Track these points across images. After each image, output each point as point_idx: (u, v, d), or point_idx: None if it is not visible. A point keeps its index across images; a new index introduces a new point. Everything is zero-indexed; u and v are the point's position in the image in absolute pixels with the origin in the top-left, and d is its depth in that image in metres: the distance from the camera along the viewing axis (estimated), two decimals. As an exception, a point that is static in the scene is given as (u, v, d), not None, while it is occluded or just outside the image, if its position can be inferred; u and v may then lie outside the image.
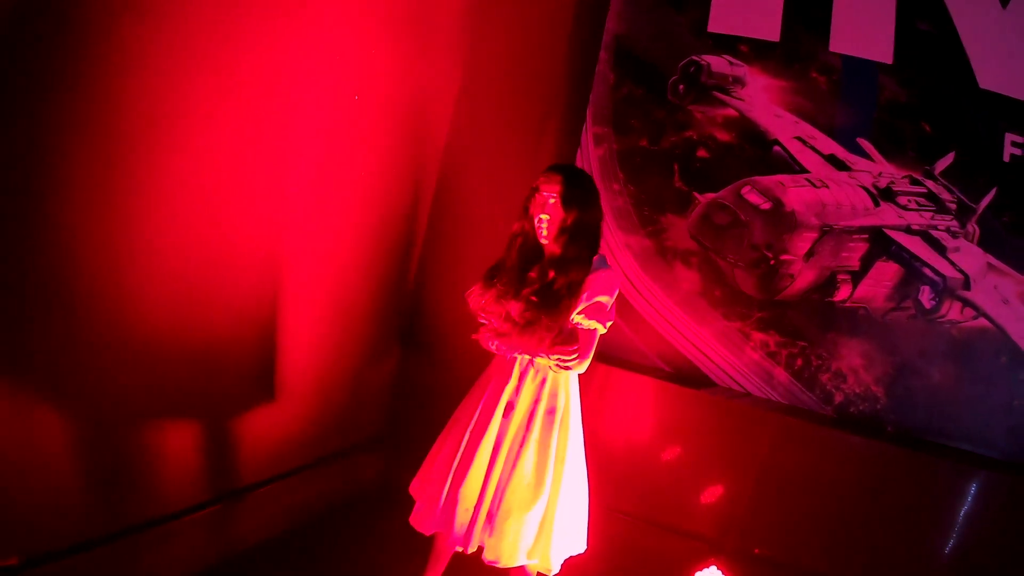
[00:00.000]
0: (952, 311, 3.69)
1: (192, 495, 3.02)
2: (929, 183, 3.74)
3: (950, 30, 3.66)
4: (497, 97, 4.09)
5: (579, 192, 2.64)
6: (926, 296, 3.73)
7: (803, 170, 3.92)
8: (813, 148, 3.93)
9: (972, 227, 3.69)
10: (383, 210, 3.81)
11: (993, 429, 3.59)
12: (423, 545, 2.87)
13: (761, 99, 3.99)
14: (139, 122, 2.47)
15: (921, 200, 3.76)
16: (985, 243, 3.67)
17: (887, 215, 3.80)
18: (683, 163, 4.10)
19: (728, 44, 4.02)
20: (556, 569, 2.74)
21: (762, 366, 3.97)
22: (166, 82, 2.52)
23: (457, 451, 2.71)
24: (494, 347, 2.70)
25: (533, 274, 2.64)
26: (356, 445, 3.96)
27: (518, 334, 2.61)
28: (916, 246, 3.76)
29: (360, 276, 3.72)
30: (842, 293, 3.85)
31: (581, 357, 2.61)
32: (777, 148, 3.97)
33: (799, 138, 3.94)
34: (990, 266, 3.66)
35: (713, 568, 3.38)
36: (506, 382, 2.70)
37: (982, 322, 3.65)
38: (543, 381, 2.70)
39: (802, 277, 3.90)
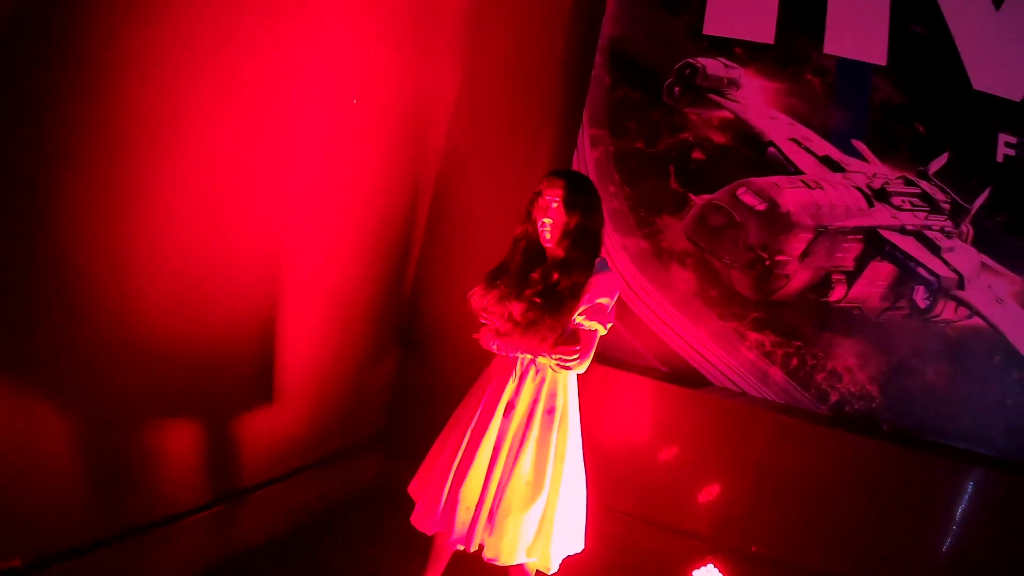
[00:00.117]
0: (946, 311, 3.72)
1: (193, 496, 3.03)
2: (923, 184, 3.77)
3: (944, 32, 3.68)
4: (495, 100, 4.11)
5: (581, 196, 2.70)
6: (920, 296, 3.75)
7: (798, 171, 3.95)
8: (808, 149, 3.95)
9: (966, 227, 3.71)
10: (382, 211, 3.82)
11: (990, 428, 3.60)
12: (423, 545, 2.88)
13: (756, 101, 4.01)
14: (140, 123, 2.49)
15: (915, 200, 3.78)
16: (979, 243, 3.68)
17: (881, 216, 3.82)
18: (679, 165, 4.12)
19: (723, 46, 4.04)
20: (555, 568, 2.76)
21: (758, 366, 3.98)
22: (167, 84, 2.53)
23: (458, 451, 2.73)
24: (495, 347, 2.73)
25: (536, 276, 2.68)
26: (356, 445, 3.96)
27: (520, 334, 2.64)
28: (910, 246, 3.78)
29: (360, 277, 3.73)
30: (837, 293, 3.87)
31: (582, 357, 2.66)
32: (772, 150, 3.99)
33: (794, 139, 3.96)
34: (984, 266, 3.67)
35: (710, 566, 3.39)
36: (506, 382, 2.73)
37: (976, 321, 3.66)
38: (542, 381, 2.73)
39: (797, 277, 3.92)
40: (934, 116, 3.73)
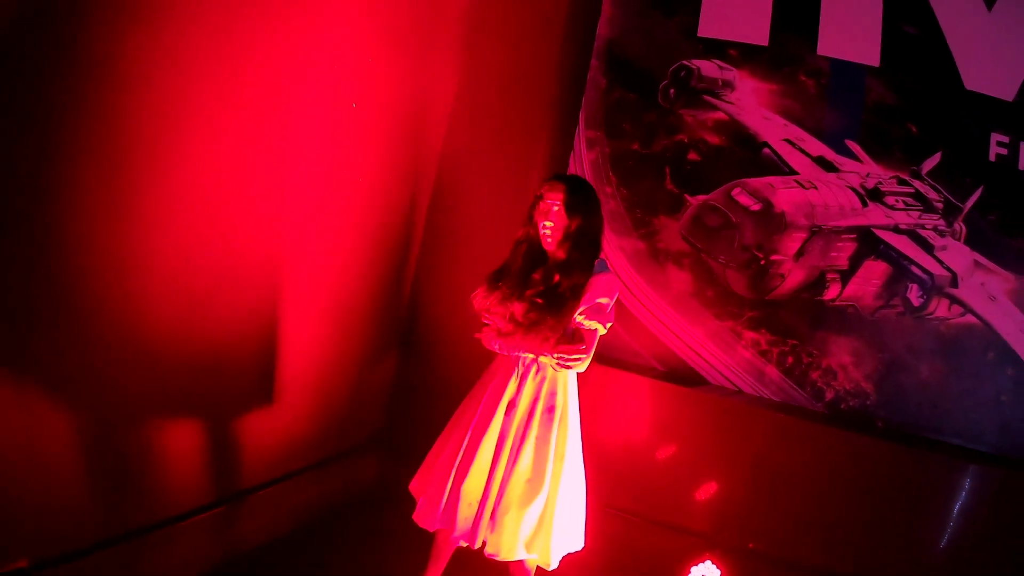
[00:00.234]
0: (940, 308, 3.74)
1: (194, 497, 3.03)
2: (916, 183, 3.80)
3: (936, 32, 3.71)
4: (493, 102, 4.13)
5: (581, 200, 2.74)
6: (914, 294, 3.78)
7: (792, 172, 3.97)
8: (802, 150, 3.98)
9: (959, 226, 3.74)
10: (382, 212, 3.84)
11: (984, 424, 3.63)
12: (424, 543, 2.89)
13: (750, 102, 4.04)
14: (142, 125, 2.50)
15: (908, 200, 3.81)
16: (972, 241, 3.71)
17: (875, 215, 3.85)
18: (674, 166, 4.14)
19: (718, 48, 4.07)
20: (555, 564, 2.78)
21: (754, 364, 4.01)
22: (169, 85, 2.54)
23: (460, 448, 2.76)
24: (497, 347, 2.76)
25: (537, 277, 2.73)
26: (356, 445, 3.97)
27: (522, 334, 2.69)
28: (904, 245, 3.81)
29: (360, 278, 3.75)
30: (831, 292, 3.90)
31: (582, 357, 2.69)
32: (766, 150, 4.01)
33: (788, 140, 3.99)
34: (977, 264, 3.70)
35: (708, 563, 3.41)
36: (508, 381, 2.76)
37: (969, 319, 3.69)
38: (543, 380, 2.76)
39: (792, 277, 3.95)
40: (927, 116, 3.77)
